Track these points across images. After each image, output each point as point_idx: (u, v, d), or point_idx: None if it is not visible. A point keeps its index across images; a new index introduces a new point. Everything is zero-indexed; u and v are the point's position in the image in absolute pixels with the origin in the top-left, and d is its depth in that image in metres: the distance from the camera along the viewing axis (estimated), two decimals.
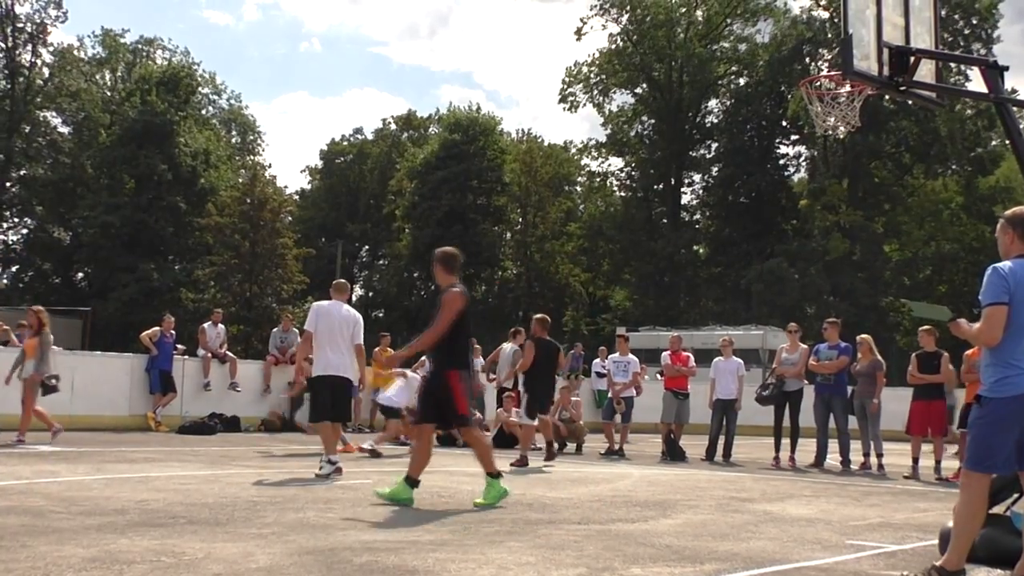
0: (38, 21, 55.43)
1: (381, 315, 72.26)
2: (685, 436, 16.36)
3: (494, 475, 8.42)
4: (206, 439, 15.96)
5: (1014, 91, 46.32)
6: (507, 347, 19.17)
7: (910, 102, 9.52)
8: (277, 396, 19.54)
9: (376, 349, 21.20)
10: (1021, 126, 7.82)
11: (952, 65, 37.06)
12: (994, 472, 5.38)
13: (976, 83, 8.45)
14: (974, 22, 47.36)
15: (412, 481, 8.31)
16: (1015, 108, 8.19)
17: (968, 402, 12.14)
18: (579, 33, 57.73)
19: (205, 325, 19.75)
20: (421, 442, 8.64)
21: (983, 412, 5.34)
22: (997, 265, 5.40)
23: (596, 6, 56.39)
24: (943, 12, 43.09)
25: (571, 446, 16.97)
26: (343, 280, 11.27)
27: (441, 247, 8.81)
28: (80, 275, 57.93)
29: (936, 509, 9.48)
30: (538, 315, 14.33)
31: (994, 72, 8.04)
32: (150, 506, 7.58)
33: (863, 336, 15.52)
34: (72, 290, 55.46)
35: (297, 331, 21.45)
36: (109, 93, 60.52)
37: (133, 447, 13.60)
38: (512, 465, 12.43)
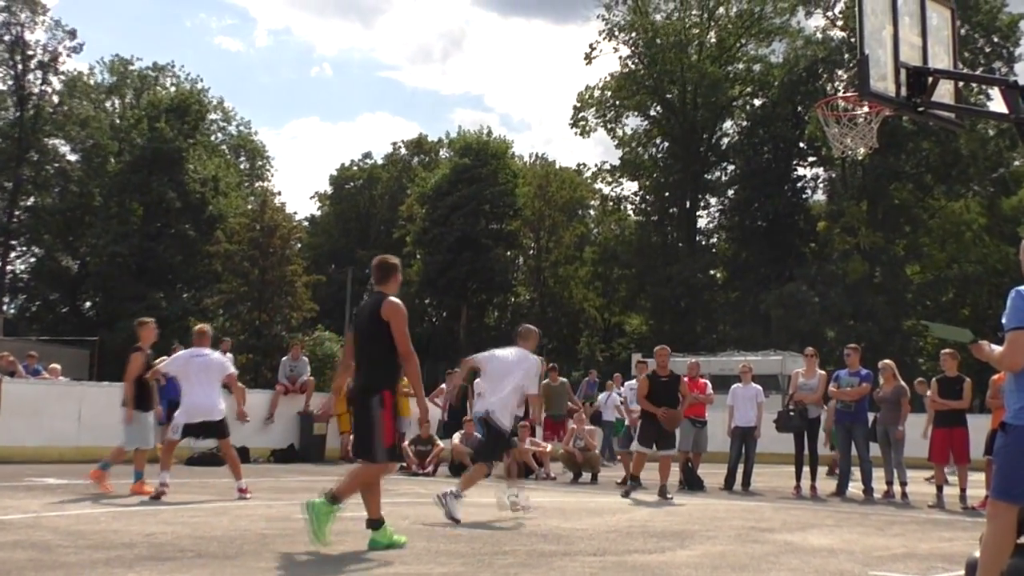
0: (52, 50, 56.04)
1: None
2: (703, 465, 16.28)
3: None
4: (215, 470, 15.93)
5: None
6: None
7: (930, 123, 9.52)
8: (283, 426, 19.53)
9: None
10: None
11: (973, 84, 37.03)
12: (1022, 502, 5.33)
13: (998, 102, 8.43)
14: (995, 40, 47.35)
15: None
16: None
17: (994, 428, 12.07)
18: (589, 58, 57.91)
19: None
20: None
21: (1008, 440, 5.29)
22: (1021, 288, 5.38)
23: (605, 30, 56.63)
24: (963, 30, 43.20)
25: (587, 475, 16.92)
26: (530, 327, 11.30)
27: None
28: (88, 304, 58.20)
29: (962, 539, 9.40)
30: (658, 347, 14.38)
31: (1013, 92, 8.04)
32: (158, 539, 7.57)
33: (886, 361, 15.44)
34: (80, 319, 55.69)
35: (306, 359, 21.49)
36: (118, 120, 60.98)
37: None
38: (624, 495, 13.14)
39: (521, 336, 10.99)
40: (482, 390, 10.86)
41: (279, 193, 76.75)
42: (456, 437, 17.45)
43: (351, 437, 19.62)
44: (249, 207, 56.79)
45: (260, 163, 71.52)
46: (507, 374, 10.61)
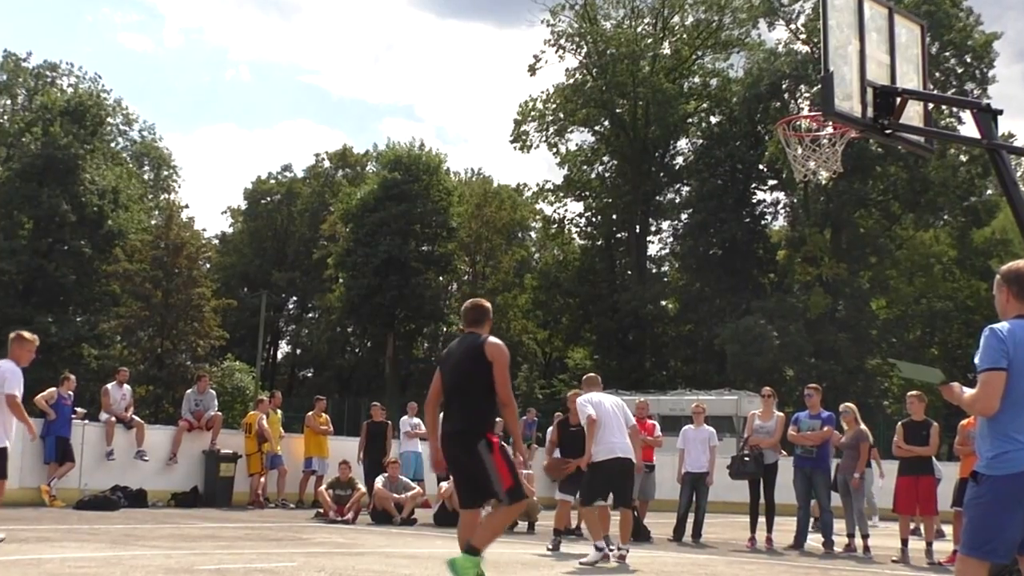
0: None
1: (310, 375, 71.77)
2: (650, 513, 16.32)
3: None
4: (108, 515, 15.66)
5: (1010, 136, 47.37)
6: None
7: (899, 146, 9.71)
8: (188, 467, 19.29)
9: (309, 414, 21.11)
10: (1019, 174, 7.99)
11: (944, 107, 37.87)
12: (993, 559, 5.38)
13: (970, 126, 8.69)
14: (968, 60, 48.37)
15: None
16: (1013, 155, 8.35)
17: (963, 477, 12.25)
18: (533, 70, 58.29)
19: (109, 386, 19.42)
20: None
21: (981, 491, 5.34)
22: (995, 326, 5.45)
23: (551, 39, 57.02)
24: (933, 49, 44.11)
25: (522, 524, 16.87)
26: (593, 374, 13.43)
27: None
28: None
29: None
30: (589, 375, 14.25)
31: (986, 116, 8.21)
32: None
33: (847, 405, 15.62)
34: None
35: (214, 392, 21.24)
36: (7, 123, 60.03)
37: (24, 525, 13.32)
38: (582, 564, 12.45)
39: (590, 383, 12.87)
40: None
41: (186, 207, 75.96)
42: (379, 481, 17.31)
43: (261, 479, 19.59)
44: (152, 222, 56.21)
45: (166, 173, 70.82)
46: (616, 416, 12.10)
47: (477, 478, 7.89)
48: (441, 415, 8.24)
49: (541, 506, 17.69)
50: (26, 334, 11.57)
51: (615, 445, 11.80)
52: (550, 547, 13.00)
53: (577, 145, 59.76)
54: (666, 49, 58.01)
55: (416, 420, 21.42)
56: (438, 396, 8.23)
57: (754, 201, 55.52)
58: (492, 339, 8.04)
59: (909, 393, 14.62)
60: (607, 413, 11.98)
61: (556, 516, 13.66)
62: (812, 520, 15.65)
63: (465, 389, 7.96)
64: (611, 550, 11.76)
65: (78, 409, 18.58)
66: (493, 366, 7.88)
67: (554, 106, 58.22)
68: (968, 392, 5.53)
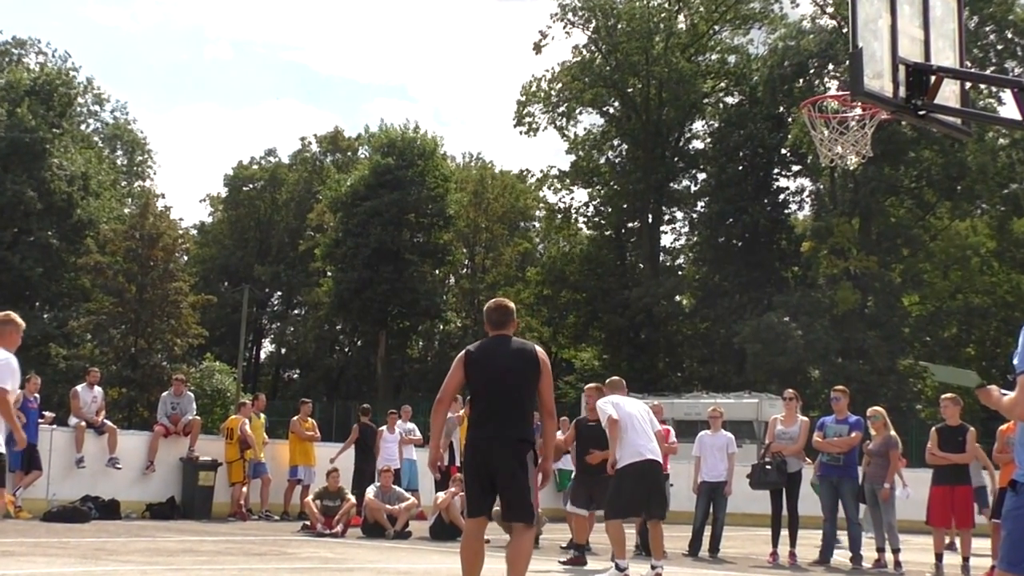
0: None
1: (296, 376, 71.82)
2: (664, 526, 16.31)
3: None
4: (78, 528, 15.69)
5: None
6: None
7: (933, 129, 9.69)
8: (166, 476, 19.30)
9: (295, 419, 21.11)
10: None
11: (983, 86, 37.77)
12: None
13: (1011, 107, 8.69)
14: (1009, 36, 48.26)
15: None
16: None
17: (1002, 487, 12.25)
18: (538, 47, 58.19)
19: (79, 387, 19.45)
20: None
21: (1020, 501, 5.34)
22: None
23: (557, 13, 56.90)
24: (972, 24, 43.97)
25: None
26: (618, 378, 13.27)
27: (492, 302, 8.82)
28: None
29: None
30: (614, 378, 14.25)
31: None
32: None
33: (875, 408, 15.62)
34: None
35: (192, 395, 21.25)
36: None
37: None
38: (565, 563, 13.06)
39: (613, 387, 12.77)
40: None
41: (163, 195, 76.09)
42: (371, 491, 17.31)
43: (243, 489, 19.60)
44: (126, 211, 56.22)
45: (140, 158, 70.83)
46: (642, 420, 12.01)
47: (512, 488, 8.07)
48: (466, 418, 8.62)
49: (546, 518, 17.70)
50: (14, 315, 9.84)
51: (642, 447, 11.68)
52: (569, 561, 13.09)
53: (586, 129, 59.74)
54: (681, 23, 57.91)
55: (410, 425, 21.42)
56: (454, 395, 8.51)
57: (776, 188, 55.44)
58: (539, 348, 8.55)
59: (943, 396, 14.63)
60: (631, 415, 11.89)
61: (577, 530, 13.70)
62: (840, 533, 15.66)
63: (520, 396, 8.31)
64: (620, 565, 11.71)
65: (46, 413, 18.59)
66: (542, 376, 8.34)
67: (559, 86, 58.10)
68: (1007, 396, 5.53)
